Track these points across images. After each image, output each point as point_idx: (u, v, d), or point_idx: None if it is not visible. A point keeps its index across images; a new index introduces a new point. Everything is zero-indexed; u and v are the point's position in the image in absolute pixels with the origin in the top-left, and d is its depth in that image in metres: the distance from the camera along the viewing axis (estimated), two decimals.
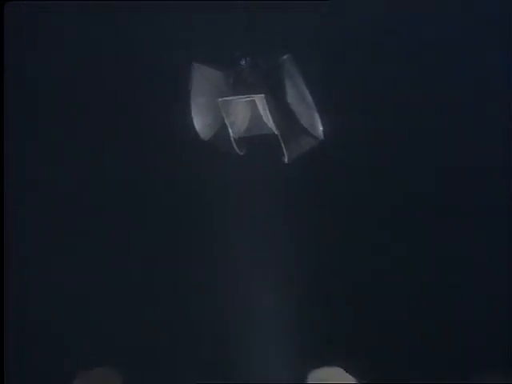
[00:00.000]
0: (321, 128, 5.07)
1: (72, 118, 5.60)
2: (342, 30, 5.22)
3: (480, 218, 5.35)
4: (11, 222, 5.05)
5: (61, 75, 5.56)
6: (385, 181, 5.45)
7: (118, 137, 5.63)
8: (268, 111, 4.88)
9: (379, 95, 5.38)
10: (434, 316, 5.37)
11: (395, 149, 5.44)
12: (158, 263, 5.68)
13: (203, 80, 5.12)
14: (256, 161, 5.27)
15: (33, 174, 5.61)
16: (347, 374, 3.36)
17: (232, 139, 5.04)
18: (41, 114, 5.60)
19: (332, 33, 5.26)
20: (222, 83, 5.04)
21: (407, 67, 5.32)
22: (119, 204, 5.69)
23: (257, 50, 5.10)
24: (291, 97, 5.07)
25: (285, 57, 5.03)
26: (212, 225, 5.58)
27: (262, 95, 4.89)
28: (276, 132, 4.93)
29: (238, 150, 5.06)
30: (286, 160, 5.01)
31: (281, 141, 4.94)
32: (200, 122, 5.11)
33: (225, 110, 4.95)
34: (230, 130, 5.01)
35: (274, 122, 4.88)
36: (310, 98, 5.06)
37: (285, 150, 4.97)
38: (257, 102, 4.92)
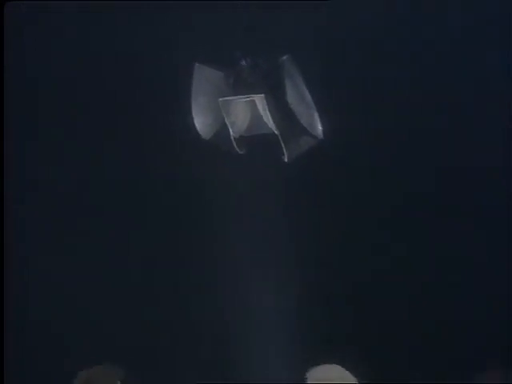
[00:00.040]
0: (320, 128, 5.10)
1: (72, 117, 5.60)
2: (341, 30, 5.22)
3: (480, 217, 5.35)
4: (11, 222, 5.04)
5: (61, 75, 5.56)
6: (385, 181, 5.45)
7: (118, 137, 5.63)
8: (268, 111, 4.91)
9: (379, 95, 5.38)
10: (434, 316, 5.36)
11: (395, 149, 5.44)
12: (158, 263, 5.67)
13: (204, 80, 5.14)
14: (256, 160, 5.28)
15: (33, 174, 5.61)
16: (346, 371, 3.36)
17: (232, 138, 5.07)
18: (41, 113, 5.60)
19: (332, 33, 5.26)
20: (223, 83, 5.07)
21: (407, 67, 5.32)
22: (119, 204, 5.69)
23: (257, 50, 5.11)
24: (291, 97, 5.09)
25: (284, 57, 5.06)
26: (212, 224, 5.58)
27: (262, 95, 4.92)
28: (276, 131, 4.96)
29: (238, 150, 5.09)
30: (285, 159, 5.04)
31: (281, 140, 4.97)
32: (201, 122, 5.15)
33: (225, 110, 4.99)
34: (231, 130, 5.04)
35: (273, 121, 4.92)
36: (309, 98, 5.09)
37: (285, 150, 4.99)
38: (257, 101, 4.95)
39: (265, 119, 4.96)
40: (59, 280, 5.53)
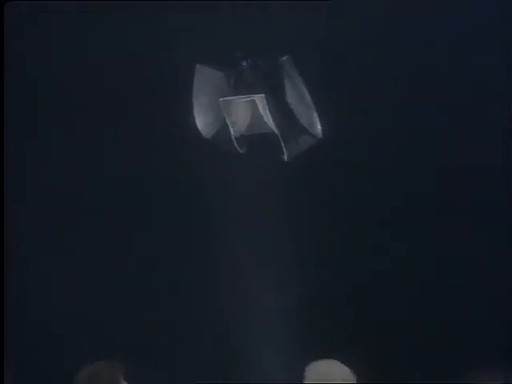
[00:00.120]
0: (319, 127, 5.12)
1: (72, 117, 5.60)
2: (341, 30, 5.22)
3: (480, 217, 5.35)
4: (11, 222, 5.04)
5: (61, 75, 5.56)
6: (385, 181, 5.45)
7: (118, 137, 5.63)
8: (268, 111, 4.93)
9: (379, 95, 5.38)
10: (434, 316, 5.37)
11: (395, 149, 5.44)
12: (158, 263, 5.68)
13: (205, 80, 5.16)
14: (256, 159, 5.29)
15: (33, 174, 5.62)
16: (344, 366, 3.37)
17: (233, 138, 5.10)
18: (41, 113, 5.60)
19: (332, 33, 5.25)
20: (224, 83, 5.10)
21: (407, 67, 5.32)
22: (119, 204, 5.70)
23: (257, 50, 5.11)
24: (291, 97, 5.11)
25: (284, 58, 5.07)
26: (212, 224, 5.58)
27: (262, 95, 4.94)
28: (276, 131, 4.99)
29: (238, 149, 5.11)
30: (285, 158, 5.07)
31: (280, 139, 5.00)
32: (202, 121, 5.18)
33: (226, 110, 5.02)
34: (231, 129, 5.08)
35: (273, 121, 4.94)
36: (309, 98, 5.11)
37: (284, 149, 5.02)
38: (257, 101, 4.98)
39: (265, 119, 4.99)
40: (59, 280, 5.53)
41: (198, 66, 5.14)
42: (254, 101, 4.99)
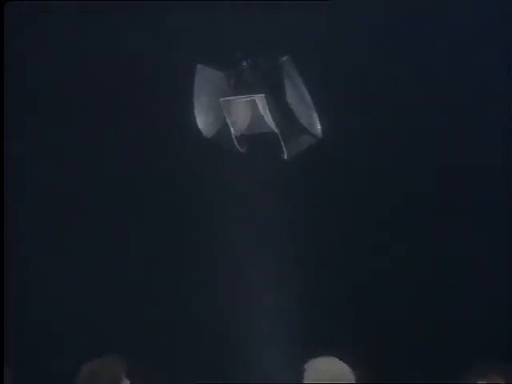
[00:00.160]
0: (319, 127, 5.13)
1: (72, 117, 5.60)
2: (341, 30, 5.22)
3: (480, 217, 5.35)
4: (11, 222, 5.04)
5: (61, 75, 5.56)
6: (385, 181, 5.45)
7: (118, 137, 5.63)
8: (268, 110, 4.95)
9: (379, 95, 5.38)
10: (434, 316, 5.37)
11: (395, 149, 5.44)
12: (158, 263, 5.68)
13: (205, 80, 5.18)
14: (257, 158, 5.29)
15: (33, 174, 5.62)
16: (344, 363, 3.38)
17: (233, 137, 5.12)
18: (41, 113, 5.60)
19: (332, 33, 5.25)
20: (224, 83, 5.11)
21: (407, 67, 5.32)
22: (119, 204, 5.70)
23: (257, 50, 5.11)
24: (291, 97, 5.12)
25: (284, 58, 5.07)
26: (212, 223, 5.58)
27: (263, 95, 4.96)
28: (276, 130, 5.01)
29: (239, 148, 5.14)
30: (285, 157, 5.08)
31: (280, 139, 5.02)
32: (203, 121, 5.20)
33: (226, 110, 5.05)
34: (232, 129, 5.10)
35: (273, 120, 4.96)
36: (308, 98, 5.12)
37: (284, 148, 5.05)
38: (257, 101, 5.00)
39: (265, 118, 5.01)
40: (59, 280, 5.53)
41: (198, 66, 5.16)
42: (254, 101, 5.01)
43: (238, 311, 5.41)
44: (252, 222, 5.52)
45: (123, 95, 5.57)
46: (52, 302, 5.47)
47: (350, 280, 5.50)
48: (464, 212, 5.40)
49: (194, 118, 5.21)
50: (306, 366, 3.42)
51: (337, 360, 3.44)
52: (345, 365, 3.42)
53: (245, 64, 5.05)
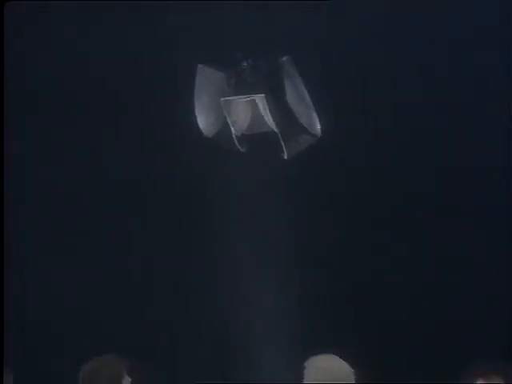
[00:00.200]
0: (319, 126, 5.15)
1: (72, 117, 5.60)
2: (341, 30, 5.22)
3: (480, 218, 5.35)
4: (11, 222, 5.04)
5: (61, 75, 5.56)
6: (385, 181, 5.45)
7: (118, 137, 5.63)
8: (268, 110, 4.98)
9: (379, 95, 5.38)
10: (434, 316, 5.37)
11: (395, 149, 5.44)
12: (158, 263, 5.68)
13: (206, 81, 5.20)
14: (257, 157, 5.30)
15: (33, 174, 5.61)
16: (343, 361, 3.39)
17: (234, 137, 5.16)
18: (41, 113, 5.60)
19: (332, 33, 5.25)
20: (225, 84, 5.14)
21: (407, 67, 5.31)
22: (119, 204, 5.70)
23: (257, 50, 5.11)
24: (290, 97, 5.15)
25: (284, 58, 5.09)
26: (212, 222, 5.58)
27: (263, 95, 4.99)
28: (276, 130, 5.04)
29: (239, 147, 5.16)
30: (285, 156, 5.11)
31: (280, 138, 5.05)
32: (204, 121, 5.24)
33: (227, 110, 5.09)
34: (232, 128, 5.14)
35: (273, 120, 4.99)
36: (308, 98, 5.15)
37: (284, 147, 5.08)
38: (257, 101, 5.04)
39: (265, 118, 5.04)
40: (59, 280, 5.53)
41: (199, 66, 5.18)
42: (254, 101, 5.05)
43: (238, 311, 5.41)
44: (252, 221, 5.52)
45: (123, 95, 5.57)
46: (52, 301, 5.47)
47: (350, 280, 5.50)
48: (464, 212, 5.40)
49: (194, 117, 5.23)
50: (305, 364, 3.43)
51: (337, 358, 3.45)
52: (344, 363, 3.43)
53: (245, 64, 5.07)
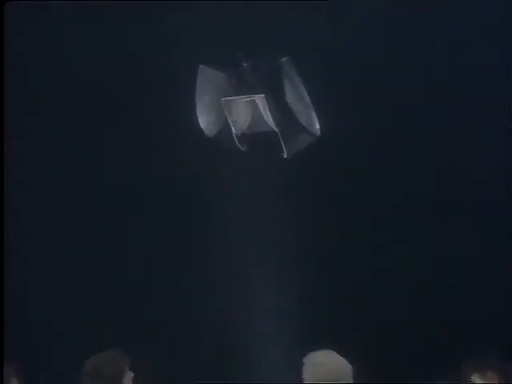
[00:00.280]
0: (318, 126, 5.17)
1: (72, 117, 5.60)
2: (341, 30, 5.22)
3: (480, 218, 5.35)
4: (11, 222, 5.04)
5: (61, 75, 5.56)
6: (385, 181, 5.45)
7: (118, 137, 5.63)
8: (268, 110, 5.02)
9: (379, 95, 5.38)
10: (434, 316, 5.37)
11: (395, 148, 5.44)
12: (158, 263, 5.68)
13: (207, 81, 5.23)
14: (257, 156, 5.31)
15: (33, 174, 5.61)
16: (341, 357, 3.42)
17: (234, 136, 5.20)
18: (41, 113, 5.60)
19: (332, 33, 5.25)
20: (225, 84, 5.16)
21: (407, 67, 5.32)
22: (119, 204, 5.70)
23: (257, 50, 5.12)
24: (290, 96, 5.17)
25: (284, 59, 5.10)
26: (212, 222, 5.58)
27: (263, 95, 5.02)
28: (276, 129, 5.07)
29: (240, 146, 5.19)
30: (285, 155, 5.14)
31: (280, 138, 5.08)
32: (205, 120, 5.28)
33: (228, 109, 5.13)
34: (233, 128, 5.18)
35: (273, 120, 5.03)
36: (307, 98, 5.17)
37: (284, 147, 5.11)
38: (258, 101, 5.07)
39: (265, 118, 5.07)
40: (59, 280, 5.53)
41: (200, 66, 5.20)
42: (254, 100, 5.08)
43: (238, 311, 5.41)
44: (252, 221, 5.52)
45: (123, 95, 5.57)
46: (52, 301, 5.47)
47: (350, 280, 5.50)
48: (464, 212, 5.40)
49: (195, 117, 5.25)
50: (304, 360, 3.45)
51: (335, 354, 3.48)
52: (342, 358, 3.45)
53: (245, 64, 5.09)
